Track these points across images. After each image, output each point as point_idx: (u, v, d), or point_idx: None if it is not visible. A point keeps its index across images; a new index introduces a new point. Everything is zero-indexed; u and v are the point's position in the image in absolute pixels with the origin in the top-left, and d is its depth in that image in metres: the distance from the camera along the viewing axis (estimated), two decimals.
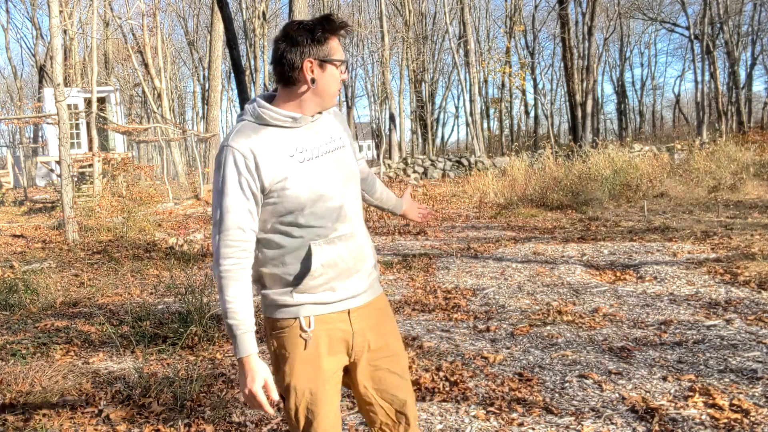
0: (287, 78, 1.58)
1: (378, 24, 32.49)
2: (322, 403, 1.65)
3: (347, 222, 1.66)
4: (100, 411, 3.19)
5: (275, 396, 1.58)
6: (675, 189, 11.82)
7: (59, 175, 11.62)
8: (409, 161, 22.63)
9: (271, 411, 1.58)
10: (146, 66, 25.06)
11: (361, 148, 54.23)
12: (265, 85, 29.99)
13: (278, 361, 1.67)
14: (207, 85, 27.55)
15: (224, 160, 1.55)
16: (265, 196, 1.57)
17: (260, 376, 1.55)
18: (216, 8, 19.93)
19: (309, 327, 1.62)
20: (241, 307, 1.54)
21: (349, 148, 1.74)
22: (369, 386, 1.73)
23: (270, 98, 1.65)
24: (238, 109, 20.27)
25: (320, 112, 1.68)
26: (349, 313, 1.68)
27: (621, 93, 44.39)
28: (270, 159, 1.55)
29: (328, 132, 1.69)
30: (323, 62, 1.57)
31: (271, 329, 1.67)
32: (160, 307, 5.26)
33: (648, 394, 3.08)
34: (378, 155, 33.71)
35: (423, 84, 34.31)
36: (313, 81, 1.57)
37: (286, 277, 1.62)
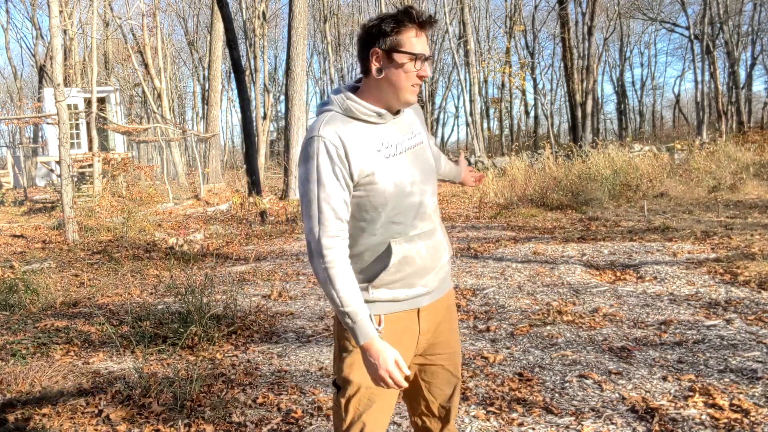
0: (362, 67, 1.61)
1: None
2: (374, 402, 1.65)
3: (427, 219, 1.67)
4: (100, 411, 3.19)
5: (407, 371, 1.57)
6: (675, 189, 11.82)
7: (59, 175, 11.62)
8: None
9: (406, 385, 1.57)
10: (146, 66, 25.06)
11: None
12: (265, 85, 29.98)
13: (341, 352, 1.69)
14: (207, 85, 27.55)
15: (316, 150, 1.54)
16: (354, 188, 1.58)
17: (391, 354, 1.54)
18: (216, 8, 19.93)
19: (379, 325, 1.63)
20: (352, 294, 1.54)
21: (426, 144, 1.75)
22: (420, 377, 1.76)
23: (354, 89, 1.65)
24: (238, 109, 20.26)
25: (400, 109, 1.67)
26: (418, 312, 1.69)
27: (621, 93, 44.38)
28: (359, 151, 1.56)
29: (410, 127, 1.71)
30: (390, 53, 1.55)
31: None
32: (160, 307, 5.26)
33: (648, 394, 3.08)
34: None
35: (423, 84, 34.30)
36: (379, 71, 1.57)
37: (363, 272, 1.64)
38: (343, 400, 1.66)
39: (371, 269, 1.63)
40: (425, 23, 1.56)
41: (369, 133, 1.60)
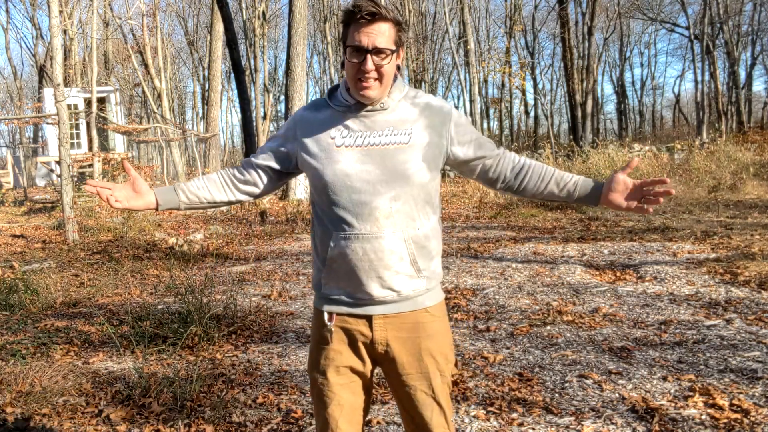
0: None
1: None
2: (332, 395, 1.67)
3: (372, 222, 1.58)
4: (100, 411, 3.19)
5: (117, 205, 1.68)
6: (675, 189, 11.80)
7: (59, 175, 11.62)
8: None
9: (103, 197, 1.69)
10: (146, 66, 25.05)
11: None
12: (265, 85, 29.97)
13: (310, 343, 1.77)
14: (207, 85, 27.55)
15: (288, 119, 1.77)
16: (299, 166, 1.71)
17: (117, 190, 1.69)
18: (216, 8, 19.93)
19: (330, 321, 1.66)
20: (191, 185, 1.78)
21: (413, 148, 1.61)
22: (402, 405, 1.73)
23: None
24: (238, 109, 20.26)
25: (383, 102, 1.63)
26: (370, 319, 1.65)
27: (621, 93, 44.38)
28: (311, 134, 1.65)
29: (392, 125, 1.62)
30: (345, 46, 1.59)
31: (313, 311, 1.77)
32: (160, 307, 5.26)
33: (648, 394, 3.08)
34: None
35: (423, 84, 34.29)
36: (342, 64, 1.61)
37: (317, 261, 1.69)
38: (312, 392, 1.74)
39: (320, 255, 1.68)
40: (359, 12, 1.52)
41: (331, 120, 1.65)
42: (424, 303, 1.68)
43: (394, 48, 1.56)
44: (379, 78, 1.56)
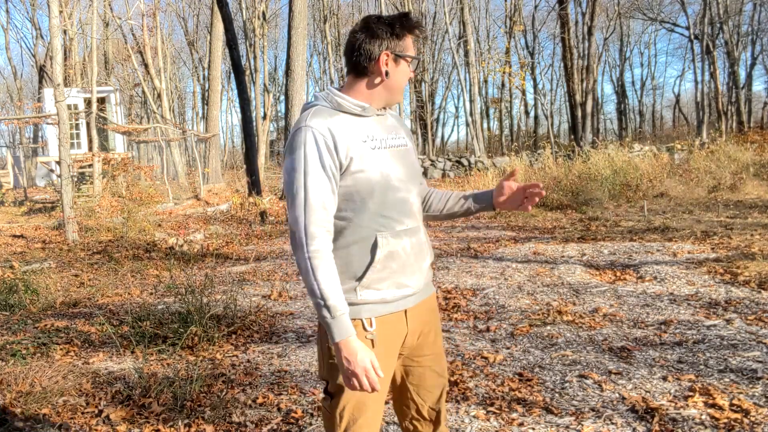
0: (362, 68, 1.63)
1: None
2: (369, 408, 1.65)
3: (412, 217, 1.69)
4: (100, 411, 3.19)
5: (381, 374, 1.55)
6: (675, 189, 11.82)
7: (59, 176, 11.62)
8: None
9: (379, 387, 1.56)
10: (146, 66, 25.06)
11: None
12: (265, 85, 29.97)
13: (329, 358, 1.64)
14: (207, 85, 27.55)
15: (304, 139, 1.55)
16: (341, 178, 1.59)
17: (368, 354, 1.53)
18: (216, 8, 19.92)
19: (371, 327, 1.62)
20: (334, 287, 1.53)
21: (412, 150, 1.77)
22: (408, 380, 1.75)
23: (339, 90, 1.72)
24: (238, 109, 20.25)
25: (385, 108, 1.73)
26: (406, 312, 1.70)
27: (621, 93, 44.37)
28: (346, 140, 1.59)
29: (394, 129, 1.74)
30: (398, 56, 1.62)
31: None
32: (160, 307, 5.26)
33: (648, 394, 3.08)
34: None
35: (423, 84, 34.29)
36: (387, 74, 1.63)
37: (350, 267, 1.62)
38: (337, 408, 1.64)
39: (358, 263, 1.61)
40: (421, 30, 1.66)
41: (355, 124, 1.64)
42: (433, 287, 1.83)
43: None
44: None
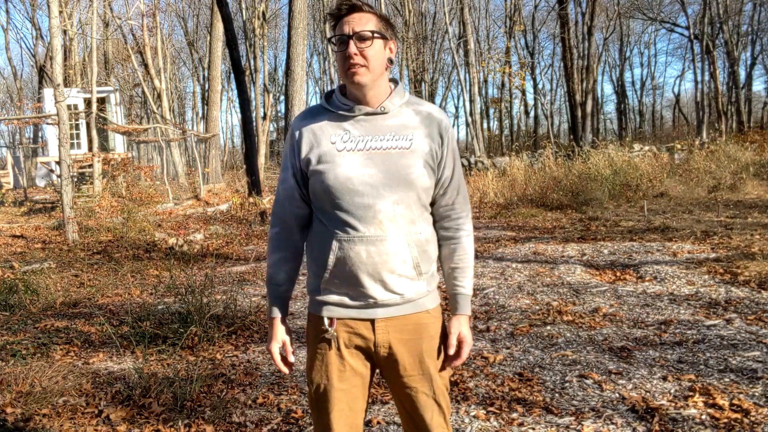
0: None
1: None
2: (334, 401, 1.66)
3: (376, 225, 1.58)
4: (100, 411, 3.19)
5: (291, 358, 1.73)
6: (675, 189, 11.82)
7: (59, 176, 11.62)
8: None
9: (285, 370, 1.73)
10: (146, 66, 25.06)
11: None
12: (265, 85, 29.97)
13: (307, 349, 1.75)
14: (207, 86, 27.55)
15: (287, 137, 1.72)
16: (308, 176, 1.66)
17: (279, 337, 1.72)
18: (216, 8, 19.92)
19: (331, 326, 1.64)
20: (276, 274, 1.72)
21: (415, 153, 1.62)
22: (403, 407, 1.73)
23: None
24: (238, 110, 20.26)
25: (383, 106, 1.63)
26: (373, 322, 1.64)
27: (621, 93, 44.37)
28: (309, 141, 1.63)
29: (393, 129, 1.63)
30: (330, 43, 1.64)
31: (307, 317, 1.75)
32: (160, 307, 5.26)
33: (648, 394, 3.08)
34: None
35: (423, 84, 34.28)
36: (335, 63, 1.64)
37: (314, 265, 1.67)
38: (310, 398, 1.72)
39: (318, 259, 1.65)
40: (344, 9, 1.61)
41: (332, 125, 1.64)
42: (426, 305, 1.71)
43: (376, 32, 1.59)
44: (366, 64, 1.58)
